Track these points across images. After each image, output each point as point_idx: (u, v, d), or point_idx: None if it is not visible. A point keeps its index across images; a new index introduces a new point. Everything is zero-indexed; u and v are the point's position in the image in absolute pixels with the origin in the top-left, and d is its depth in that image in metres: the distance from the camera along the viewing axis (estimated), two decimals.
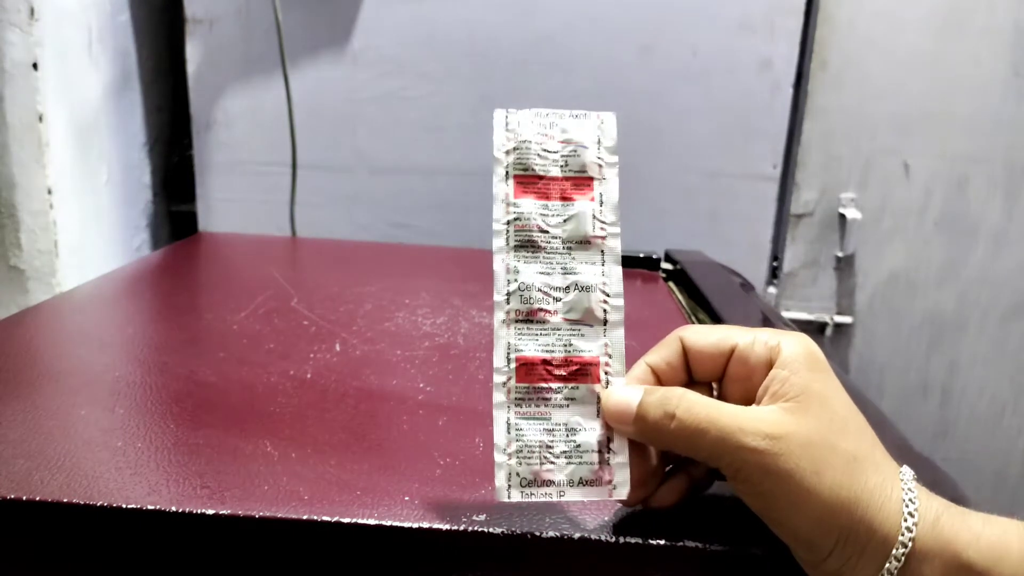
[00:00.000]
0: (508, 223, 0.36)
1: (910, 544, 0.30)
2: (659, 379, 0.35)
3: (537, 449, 0.34)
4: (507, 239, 0.35)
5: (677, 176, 1.02)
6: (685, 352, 0.35)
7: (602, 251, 0.35)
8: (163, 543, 0.36)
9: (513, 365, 0.34)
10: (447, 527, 0.35)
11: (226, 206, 1.03)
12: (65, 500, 0.35)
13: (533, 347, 0.34)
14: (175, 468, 0.39)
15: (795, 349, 0.33)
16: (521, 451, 0.33)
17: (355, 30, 0.98)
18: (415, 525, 0.35)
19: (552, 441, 0.34)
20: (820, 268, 1.09)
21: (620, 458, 0.34)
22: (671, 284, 0.84)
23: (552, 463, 0.33)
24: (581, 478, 0.34)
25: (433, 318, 0.66)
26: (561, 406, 0.34)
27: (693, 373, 0.36)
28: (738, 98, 1.00)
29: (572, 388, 0.34)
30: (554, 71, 0.99)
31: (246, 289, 0.72)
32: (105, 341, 0.58)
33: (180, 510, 0.35)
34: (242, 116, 1.00)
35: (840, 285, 1.09)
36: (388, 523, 0.35)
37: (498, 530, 0.35)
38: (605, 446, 0.34)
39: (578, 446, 0.34)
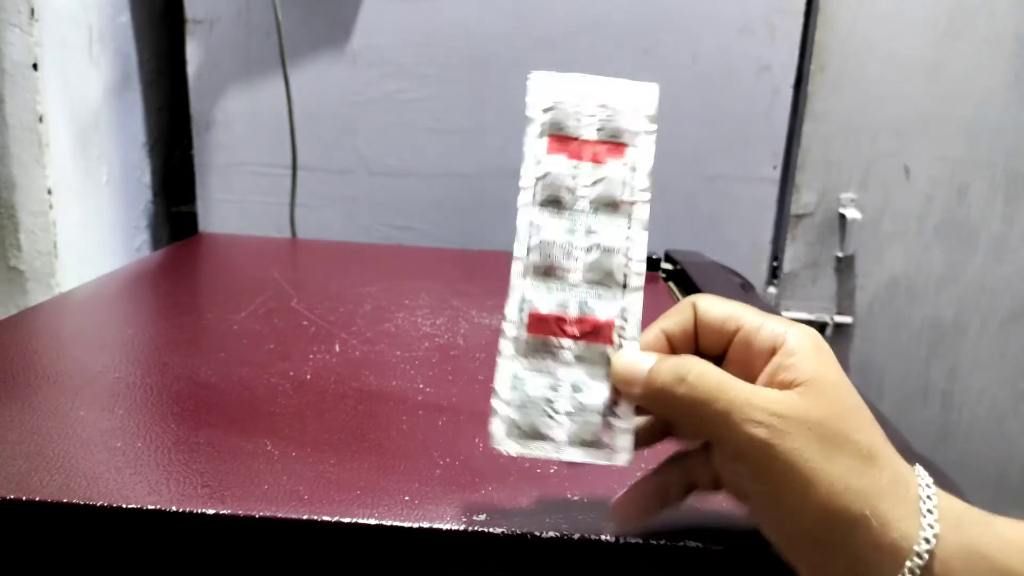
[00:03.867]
0: (537, 179, 0.35)
1: (933, 543, 0.28)
2: (672, 346, 0.34)
3: (539, 403, 0.33)
4: (533, 195, 0.34)
5: (678, 177, 1.02)
6: (696, 320, 0.34)
7: (629, 215, 0.34)
8: (163, 543, 0.36)
9: (525, 317, 0.33)
10: (447, 527, 0.35)
11: (226, 207, 1.03)
12: (65, 500, 0.35)
13: (548, 302, 0.34)
14: (175, 468, 0.39)
15: (803, 338, 0.32)
16: (523, 403, 0.33)
17: (355, 31, 0.98)
18: (415, 525, 0.35)
19: (556, 397, 0.33)
20: (820, 268, 1.09)
21: (624, 423, 0.33)
22: (671, 284, 0.84)
23: (553, 419, 0.33)
24: (582, 439, 0.33)
25: (433, 319, 0.66)
26: (569, 364, 0.33)
27: (699, 344, 0.35)
28: (738, 100, 1.00)
29: (583, 347, 0.33)
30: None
31: (246, 290, 0.72)
32: (105, 342, 0.58)
33: (180, 510, 0.35)
34: (242, 117, 1.00)
35: (840, 286, 1.09)
36: (388, 523, 0.35)
37: (498, 530, 0.35)
38: (610, 409, 0.33)
39: (582, 405, 0.33)
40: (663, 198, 1.07)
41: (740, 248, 1.04)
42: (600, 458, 0.33)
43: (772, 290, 1.09)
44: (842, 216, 1.06)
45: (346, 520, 0.35)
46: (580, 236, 0.34)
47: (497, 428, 0.33)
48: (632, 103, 0.36)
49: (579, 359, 0.33)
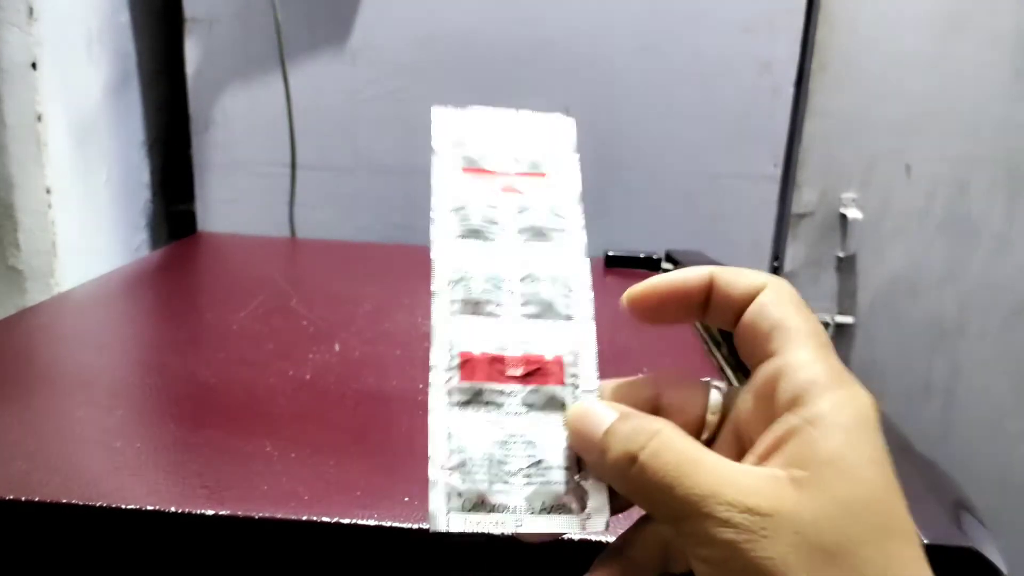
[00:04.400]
0: (453, 211, 0.30)
1: None
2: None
3: (485, 465, 0.26)
4: (448, 228, 0.30)
5: (678, 177, 1.02)
6: (712, 293, 0.29)
7: (563, 243, 0.31)
8: (162, 543, 0.36)
9: (456, 362, 0.28)
10: None
11: (225, 206, 1.03)
12: (64, 501, 0.35)
13: (481, 342, 0.28)
14: (174, 468, 0.39)
15: (842, 404, 0.24)
16: (464, 465, 0.26)
17: (354, 30, 0.98)
18: (415, 526, 0.35)
19: (506, 456, 0.26)
20: (821, 268, 1.08)
21: (595, 480, 0.27)
22: None
23: (505, 483, 0.26)
24: (543, 503, 0.26)
25: None
26: (517, 413, 0.27)
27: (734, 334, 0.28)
28: (739, 99, 1.00)
29: (531, 391, 0.28)
30: (554, 72, 0.99)
31: (245, 289, 0.72)
32: (104, 342, 0.58)
33: (179, 510, 0.35)
34: (241, 116, 1.00)
35: (841, 286, 1.09)
36: (388, 524, 0.35)
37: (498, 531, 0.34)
38: (575, 463, 0.27)
39: (539, 462, 0.26)
40: (663, 197, 1.07)
41: (741, 247, 1.04)
42: (570, 526, 0.26)
43: None
44: (843, 216, 1.06)
45: (345, 521, 0.35)
46: (512, 267, 0.30)
47: (436, 503, 0.26)
48: (548, 135, 0.33)
49: (528, 406, 0.27)
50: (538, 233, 0.31)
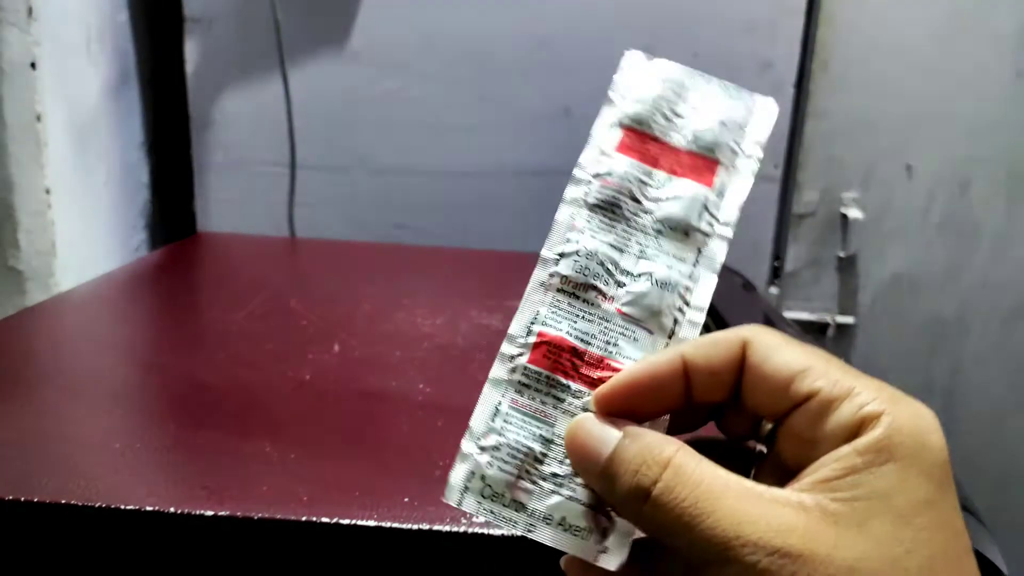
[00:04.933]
0: (595, 175, 0.27)
1: None
2: (689, 385, 0.24)
3: (520, 456, 0.24)
4: (586, 192, 0.27)
5: None
6: (744, 364, 0.24)
7: (699, 250, 0.27)
8: (162, 544, 0.35)
9: (532, 339, 0.25)
10: (447, 529, 0.35)
11: (225, 206, 1.03)
12: (63, 501, 0.35)
13: (567, 327, 0.26)
14: (174, 469, 0.39)
15: (903, 429, 0.21)
16: (499, 450, 0.25)
17: (354, 30, 0.98)
18: (414, 527, 0.35)
19: (545, 454, 0.25)
20: (822, 268, 1.08)
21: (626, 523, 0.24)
22: None
23: (533, 483, 0.24)
24: (563, 519, 0.24)
25: (432, 319, 0.66)
26: (573, 414, 0.25)
27: (743, 396, 0.24)
28: None
29: None
30: (554, 72, 0.99)
31: (245, 289, 0.72)
32: (103, 342, 0.58)
33: (179, 511, 0.35)
34: (241, 116, 1.00)
35: (842, 285, 1.09)
36: (387, 524, 0.35)
37: (498, 532, 0.34)
38: None
39: (575, 474, 0.24)
40: None
41: (741, 248, 1.04)
42: (581, 552, 0.24)
43: (774, 290, 1.08)
44: (844, 216, 1.06)
45: (345, 522, 0.35)
46: (631, 258, 0.27)
47: (457, 477, 0.24)
48: (740, 117, 0.29)
49: (587, 411, 0.25)
50: (678, 229, 0.27)
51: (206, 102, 1.00)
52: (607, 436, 0.23)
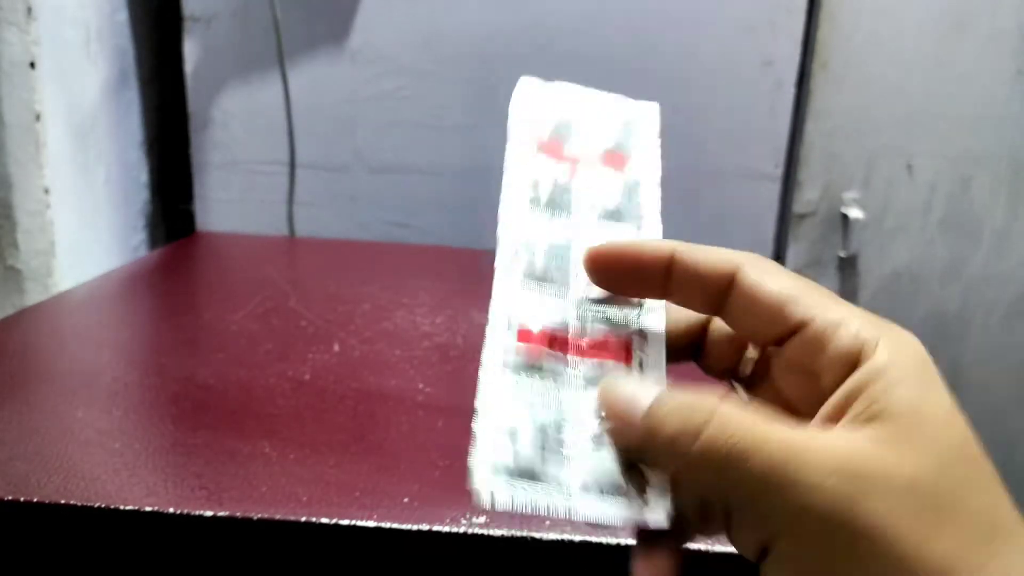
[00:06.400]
0: (525, 184, 0.30)
1: None
2: (671, 284, 0.26)
3: (542, 431, 0.24)
4: (520, 196, 0.29)
5: (679, 175, 1.01)
6: (734, 292, 0.25)
7: (639, 227, 0.29)
8: (161, 545, 0.35)
9: (514, 335, 0.26)
10: (447, 529, 0.35)
11: (224, 206, 1.03)
12: (63, 501, 0.35)
13: (543, 318, 0.27)
14: (173, 469, 0.39)
15: (900, 350, 0.22)
16: (515, 432, 0.24)
17: (354, 29, 0.98)
18: (414, 527, 0.35)
19: (565, 427, 0.24)
20: (823, 268, 1.08)
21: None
22: None
23: (559, 452, 0.24)
24: (600, 484, 0.23)
25: (432, 318, 0.66)
26: (578, 387, 0.25)
27: (733, 321, 0.25)
28: (740, 98, 1.00)
29: (594, 365, 0.26)
30: (554, 71, 0.98)
31: (244, 289, 0.72)
32: (102, 342, 0.58)
33: (178, 512, 0.35)
34: (240, 115, 1.00)
35: (843, 285, 1.09)
36: (387, 525, 0.35)
37: (498, 532, 0.34)
38: None
39: (600, 441, 0.24)
40: (663, 196, 1.07)
41: (741, 247, 1.03)
42: (627, 511, 0.23)
43: None
44: (844, 216, 1.06)
45: (344, 522, 0.35)
46: (581, 244, 0.28)
47: (481, 462, 0.23)
48: (632, 118, 0.32)
49: (589, 381, 0.25)
50: (613, 214, 0.29)
51: (205, 101, 1.00)
52: (645, 389, 0.23)
